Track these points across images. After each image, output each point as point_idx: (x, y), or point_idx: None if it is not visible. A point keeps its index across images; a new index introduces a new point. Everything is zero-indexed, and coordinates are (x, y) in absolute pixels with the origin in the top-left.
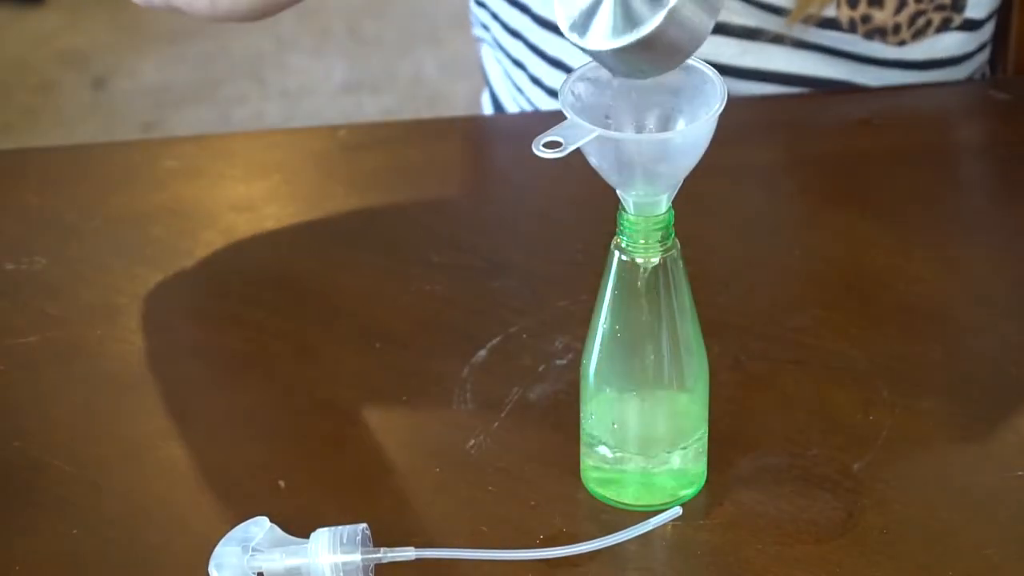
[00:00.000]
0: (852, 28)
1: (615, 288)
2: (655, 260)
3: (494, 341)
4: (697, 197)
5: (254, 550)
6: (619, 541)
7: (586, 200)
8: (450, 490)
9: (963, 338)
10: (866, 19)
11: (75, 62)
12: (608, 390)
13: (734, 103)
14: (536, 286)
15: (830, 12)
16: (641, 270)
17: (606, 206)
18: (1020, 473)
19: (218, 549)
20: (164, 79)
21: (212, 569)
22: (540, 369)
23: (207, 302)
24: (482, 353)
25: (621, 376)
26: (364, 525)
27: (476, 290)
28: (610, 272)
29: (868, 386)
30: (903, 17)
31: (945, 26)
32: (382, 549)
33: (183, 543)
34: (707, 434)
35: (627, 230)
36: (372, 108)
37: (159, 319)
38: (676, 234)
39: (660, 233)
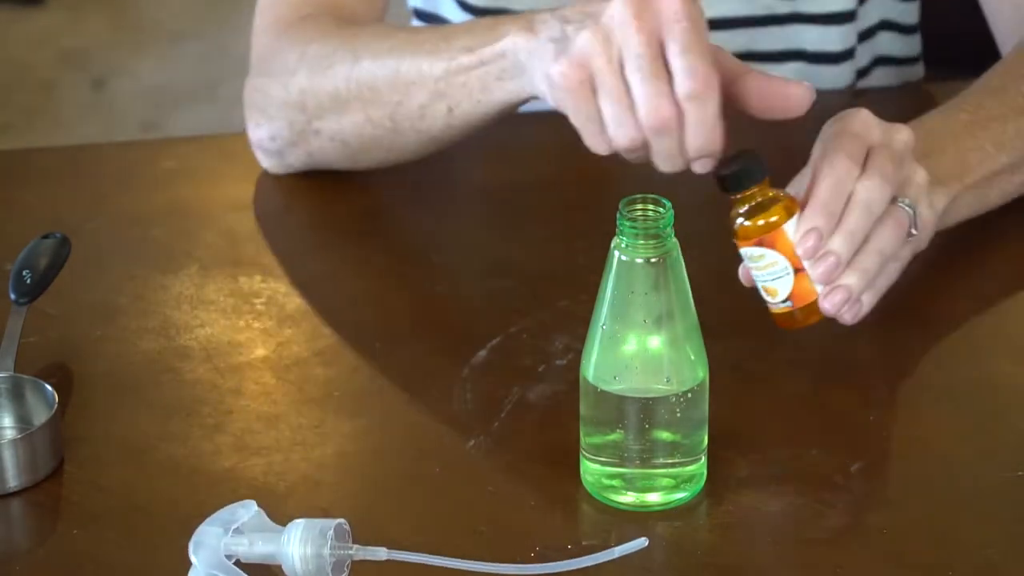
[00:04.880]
0: None
1: (615, 288)
2: (655, 260)
3: (494, 341)
4: (698, 196)
5: (235, 532)
6: (581, 567)
7: (586, 200)
8: (450, 490)
9: (963, 338)
10: None
11: (75, 62)
12: (608, 390)
13: None
14: (536, 286)
15: None
16: (641, 270)
17: (606, 206)
18: (1020, 473)
19: (202, 527)
20: (164, 79)
21: (191, 546)
22: (540, 369)
23: (208, 302)
24: (482, 353)
25: (621, 376)
26: (342, 520)
27: (476, 290)
28: (610, 272)
29: (868, 386)
30: None
31: None
32: (355, 546)
33: (183, 543)
34: (707, 434)
35: (627, 230)
36: None
37: (159, 319)
38: (676, 234)
39: (660, 233)
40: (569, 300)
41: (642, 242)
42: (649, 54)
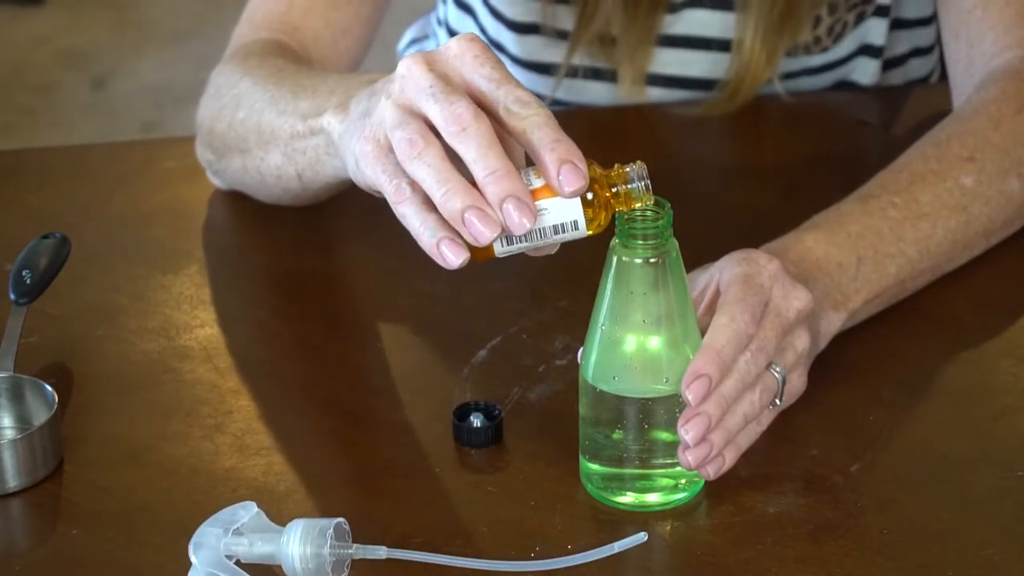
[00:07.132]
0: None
1: (615, 288)
2: (654, 260)
3: (494, 341)
4: (697, 197)
5: (235, 533)
6: (581, 563)
7: None
8: (450, 490)
9: (963, 338)
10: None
11: (75, 62)
12: (608, 390)
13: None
14: (536, 286)
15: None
16: (640, 270)
17: None
18: (1020, 473)
19: (202, 528)
20: (164, 79)
21: (191, 546)
22: (540, 369)
23: (208, 302)
24: (482, 353)
25: (620, 376)
26: (341, 519)
27: (476, 290)
28: (610, 272)
29: (868, 386)
30: (821, 31)
31: (860, 20)
32: (355, 545)
33: (183, 543)
34: None
35: (626, 231)
36: None
37: (159, 319)
38: (676, 234)
39: (659, 233)
40: (569, 300)
41: (641, 243)
42: (440, 84)
